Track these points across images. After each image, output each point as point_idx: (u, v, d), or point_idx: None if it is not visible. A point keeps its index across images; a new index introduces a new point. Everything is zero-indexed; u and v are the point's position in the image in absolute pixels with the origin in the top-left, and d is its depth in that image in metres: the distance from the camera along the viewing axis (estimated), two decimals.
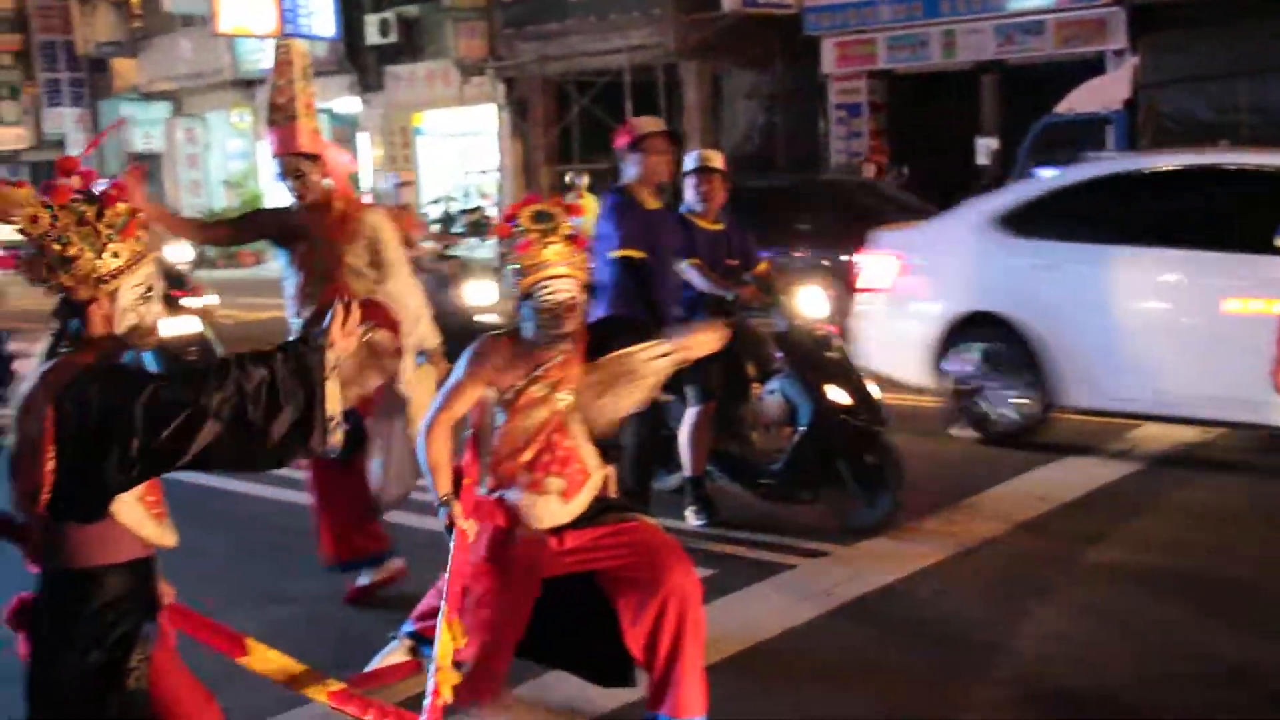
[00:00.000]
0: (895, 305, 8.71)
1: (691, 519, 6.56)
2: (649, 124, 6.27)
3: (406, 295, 5.50)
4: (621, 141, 6.17)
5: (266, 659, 3.66)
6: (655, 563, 3.95)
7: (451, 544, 3.93)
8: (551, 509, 4.03)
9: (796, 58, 20.73)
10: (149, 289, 3.00)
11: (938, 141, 19.44)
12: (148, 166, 5.20)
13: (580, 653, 4.21)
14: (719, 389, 6.55)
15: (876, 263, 8.87)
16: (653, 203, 6.15)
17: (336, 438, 2.85)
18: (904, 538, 6.25)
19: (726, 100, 22.12)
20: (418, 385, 5.42)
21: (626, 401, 4.17)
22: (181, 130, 29.49)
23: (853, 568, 5.87)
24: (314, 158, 5.48)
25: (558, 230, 3.93)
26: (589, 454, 4.07)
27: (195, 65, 28.68)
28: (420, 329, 5.51)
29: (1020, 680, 4.66)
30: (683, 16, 20.43)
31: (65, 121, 31.25)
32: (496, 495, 4.10)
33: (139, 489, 2.92)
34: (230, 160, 29.66)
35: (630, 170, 6.13)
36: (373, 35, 24.52)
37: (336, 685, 3.77)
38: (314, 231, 5.47)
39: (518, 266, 3.94)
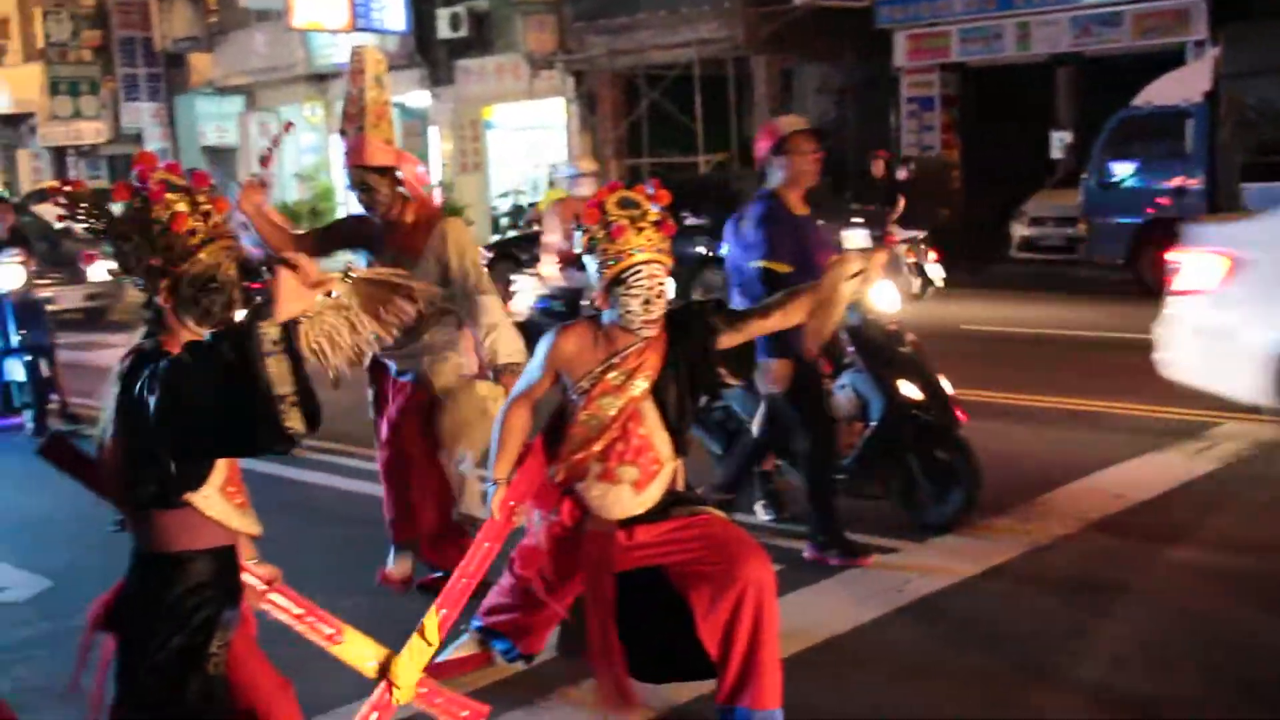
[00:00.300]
0: (1222, 310, 7.44)
1: (761, 514, 6.53)
2: (792, 123, 5.98)
3: (477, 309, 5.26)
4: (764, 145, 5.90)
5: (358, 648, 3.80)
6: (729, 555, 3.92)
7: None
8: (623, 499, 4.02)
9: (868, 51, 20.58)
10: (210, 280, 3.00)
11: (1011, 135, 19.22)
12: (266, 178, 5.27)
13: (665, 658, 4.17)
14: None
15: (1197, 261, 7.64)
16: (801, 208, 5.90)
17: (292, 419, 2.60)
18: (976, 535, 6.18)
19: (796, 94, 22.01)
20: (488, 401, 5.30)
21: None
22: (255, 124, 29.82)
23: (924, 565, 5.81)
24: (384, 171, 5.33)
25: (646, 216, 3.92)
26: (663, 443, 4.04)
27: (269, 60, 29.00)
28: (490, 342, 5.20)
29: (1094, 684, 4.57)
30: (753, 9, 20.33)
31: (142, 116, 31.70)
32: (566, 488, 4.10)
33: (218, 480, 2.96)
34: (303, 154, 29.96)
35: (776, 174, 5.85)
36: (443, 29, 24.65)
37: (419, 676, 3.93)
38: (389, 243, 5.36)
39: (607, 251, 3.91)
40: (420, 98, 26.32)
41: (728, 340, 4.05)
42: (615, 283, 3.91)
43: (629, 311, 3.91)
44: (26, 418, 9.55)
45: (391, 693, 3.91)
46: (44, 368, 9.53)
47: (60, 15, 31.81)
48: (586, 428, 4.00)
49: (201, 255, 2.99)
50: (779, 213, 5.79)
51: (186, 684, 2.93)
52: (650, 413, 4.01)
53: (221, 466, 2.99)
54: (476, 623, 4.56)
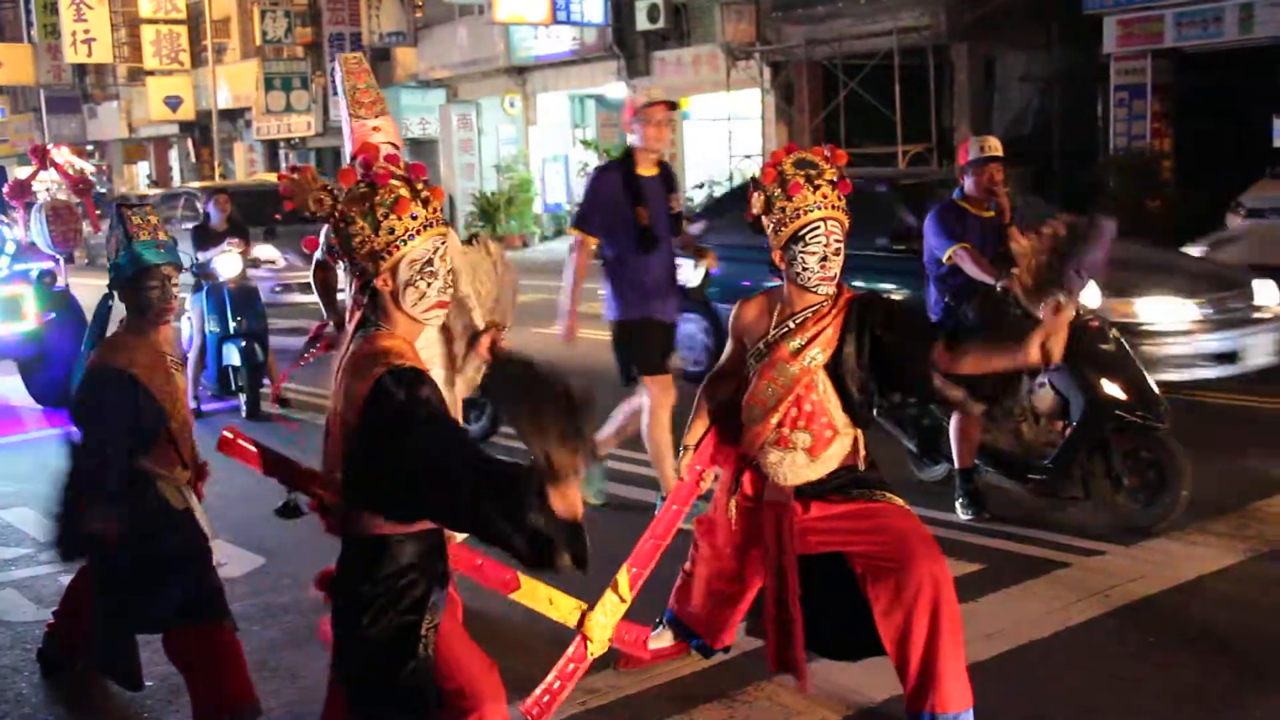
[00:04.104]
0: None
1: (960, 513, 6.40)
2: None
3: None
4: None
5: (535, 593, 4.11)
6: (907, 552, 3.84)
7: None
8: (798, 465, 4.01)
9: (1075, 37, 19.92)
10: (428, 263, 3.10)
11: (1228, 123, 18.39)
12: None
13: (846, 635, 4.14)
14: (988, 381, 6.36)
15: None
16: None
17: (562, 559, 2.73)
18: (1188, 539, 5.93)
19: (999, 83, 21.45)
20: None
21: None
22: (455, 116, 30.51)
23: (1132, 569, 5.60)
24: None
25: (823, 175, 3.93)
26: (837, 410, 3.98)
27: (470, 53, 29.62)
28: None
29: None
30: None
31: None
32: (746, 459, 4.15)
33: None
34: (502, 145, 30.55)
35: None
36: (641, 21, 24.81)
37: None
38: None
39: (784, 210, 3.93)
40: (617, 89, 26.55)
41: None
42: (793, 240, 3.92)
43: (805, 269, 3.91)
44: (242, 400, 9.98)
45: (586, 646, 4.19)
46: (258, 353, 9.93)
47: (276, 13, 33.08)
48: (764, 398, 4.01)
49: (420, 240, 3.09)
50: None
51: (397, 663, 3.02)
52: (824, 382, 3.97)
53: None
54: (669, 614, 4.58)
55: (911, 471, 7.03)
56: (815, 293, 3.94)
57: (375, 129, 5.02)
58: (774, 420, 3.98)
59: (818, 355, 3.94)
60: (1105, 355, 6.18)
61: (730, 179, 23.31)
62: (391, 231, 3.06)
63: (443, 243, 3.16)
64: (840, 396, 3.97)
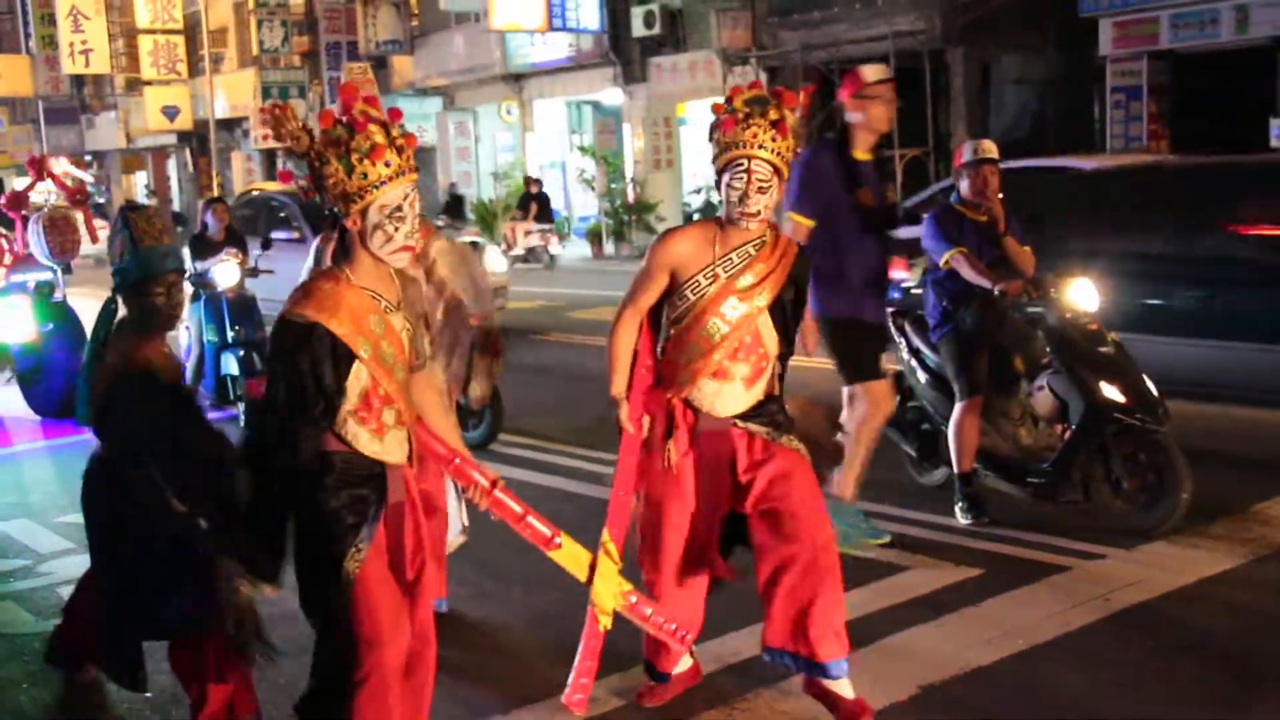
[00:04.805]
0: None
1: (960, 517, 6.39)
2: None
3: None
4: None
5: (573, 554, 4.12)
6: (799, 522, 4.05)
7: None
8: (735, 394, 4.14)
9: (1071, 40, 19.94)
10: (398, 209, 3.29)
11: (1225, 124, 18.40)
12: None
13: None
14: (986, 384, 6.36)
15: None
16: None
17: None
18: (1188, 543, 5.92)
19: (995, 86, 21.46)
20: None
21: None
22: (453, 123, 30.55)
23: (1132, 572, 5.59)
24: None
25: (766, 115, 3.99)
26: (771, 342, 4.15)
27: (467, 61, 29.66)
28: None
29: None
30: (951, 0, 19.93)
31: None
32: (678, 400, 4.18)
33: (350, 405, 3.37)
34: (499, 152, 30.57)
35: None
36: (637, 27, 24.83)
37: (628, 586, 4.22)
38: None
39: (717, 144, 4.06)
40: (613, 95, 26.59)
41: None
42: (721, 172, 4.05)
43: (728, 202, 4.04)
44: (240, 409, 9.97)
45: (598, 618, 4.21)
46: (256, 362, 9.92)
47: (273, 23, 33.15)
48: (707, 334, 4.08)
49: (391, 186, 3.27)
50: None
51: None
52: (765, 316, 4.12)
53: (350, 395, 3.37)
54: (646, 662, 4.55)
55: (911, 476, 7.03)
56: (739, 226, 4.04)
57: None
58: (717, 355, 4.08)
59: (765, 294, 4.09)
60: (1104, 358, 6.18)
61: None
62: (364, 176, 3.24)
63: (413, 189, 3.34)
64: (776, 329, 4.15)
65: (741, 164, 3.98)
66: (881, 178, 6.17)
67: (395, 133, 3.28)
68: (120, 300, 4.35)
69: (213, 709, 4.15)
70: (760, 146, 3.98)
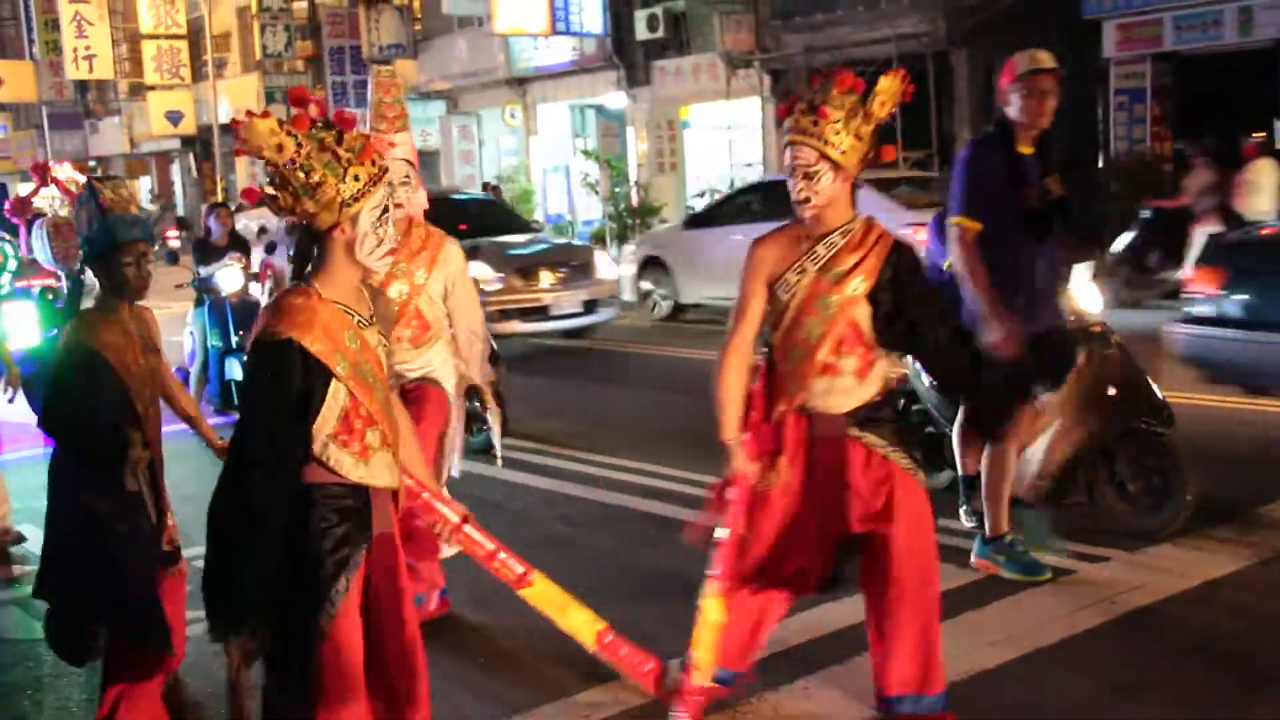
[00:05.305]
0: None
1: (965, 520, 6.36)
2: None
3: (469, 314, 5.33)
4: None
5: (547, 593, 4.04)
6: (901, 573, 3.94)
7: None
8: (847, 389, 3.96)
9: (1074, 42, 19.91)
10: (385, 210, 3.15)
11: (1229, 126, 18.37)
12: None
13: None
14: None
15: None
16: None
17: None
18: (1193, 546, 5.91)
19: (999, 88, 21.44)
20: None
21: None
22: (456, 127, 30.53)
23: (1136, 575, 5.58)
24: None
25: (813, 100, 3.88)
26: (872, 331, 3.97)
27: (470, 65, 29.66)
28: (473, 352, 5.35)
29: None
30: (954, 2, 19.92)
31: None
32: (790, 412, 3.98)
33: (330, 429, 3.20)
34: (503, 156, 30.56)
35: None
36: (640, 31, 24.83)
37: (601, 625, 4.11)
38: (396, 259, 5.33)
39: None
40: (617, 99, 26.58)
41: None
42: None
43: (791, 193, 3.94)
44: None
45: (692, 674, 4.05)
46: None
47: (276, 28, 33.17)
48: (806, 334, 3.93)
49: (379, 187, 3.14)
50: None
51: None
52: (864, 307, 3.94)
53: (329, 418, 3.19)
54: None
55: None
56: (810, 219, 3.93)
57: (392, 144, 5.04)
58: (820, 353, 3.92)
59: (860, 285, 3.91)
60: (1109, 361, 6.16)
61: (731, 187, 23.28)
62: (357, 179, 3.08)
63: (390, 189, 3.23)
64: (874, 320, 3.95)
65: (788, 150, 3.93)
66: (1045, 171, 5.55)
67: (356, 135, 3.17)
68: (89, 271, 4.19)
69: None
70: (801, 132, 3.88)
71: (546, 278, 13.90)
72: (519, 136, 29.86)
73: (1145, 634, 4.98)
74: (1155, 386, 6.13)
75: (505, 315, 13.33)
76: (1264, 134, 17.23)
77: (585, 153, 27.05)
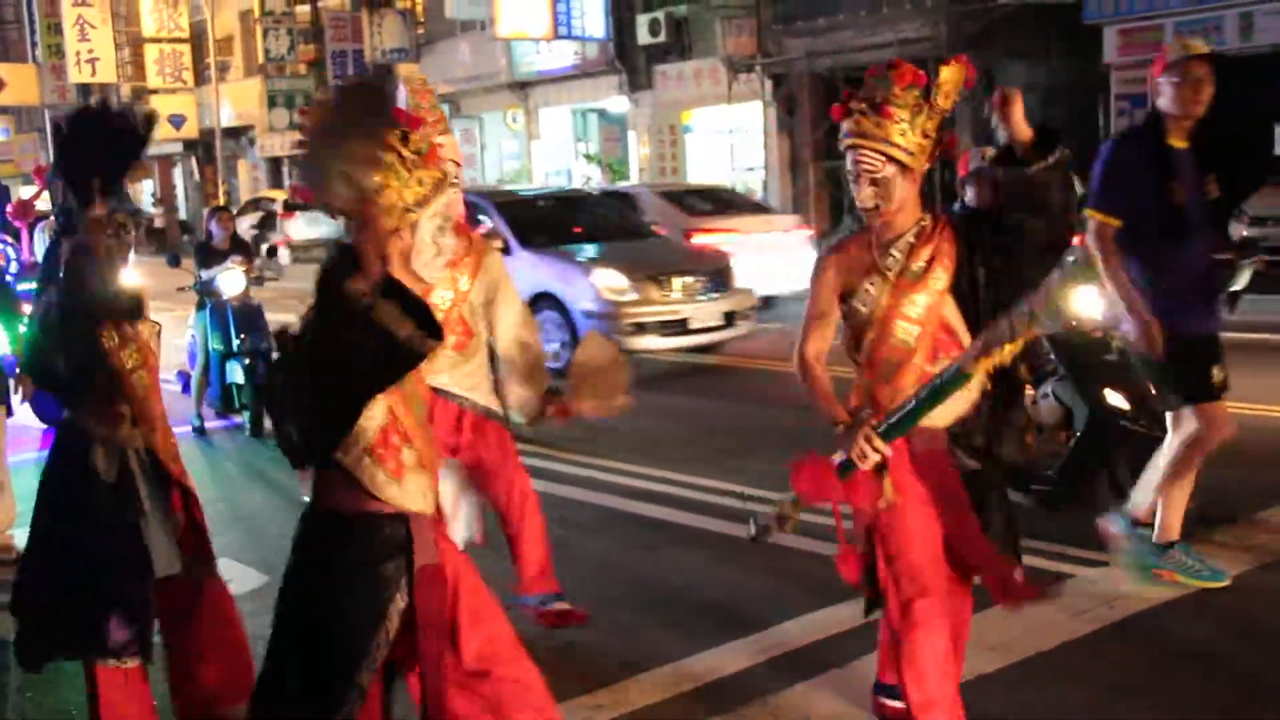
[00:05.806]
0: None
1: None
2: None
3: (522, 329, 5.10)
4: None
5: None
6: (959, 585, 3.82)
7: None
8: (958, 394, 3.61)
9: (1076, 48, 19.95)
10: (446, 219, 2.92)
11: (1230, 131, 18.36)
12: None
13: None
14: (990, 391, 6.32)
15: None
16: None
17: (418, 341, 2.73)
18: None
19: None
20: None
21: None
22: (458, 131, 30.56)
23: (1135, 581, 5.57)
24: None
25: (869, 105, 3.58)
26: (962, 328, 3.68)
27: (473, 69, 29.72)
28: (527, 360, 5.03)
29: None
30: (956, 7, 19.95)
31: None
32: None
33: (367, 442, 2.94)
34: (505, 160, 30.61)
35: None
36: (643, 35, 24.88)
37: None
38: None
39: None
40: (619, 103, 26.63)
41: None
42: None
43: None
44: (245, 418, 9.98)
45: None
46: (262, 370, 9.93)
47: (278, 31, 33.22)
48: (897, 343, 3.66)
49: (442, 191, 2.90)
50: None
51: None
52: (951, 304, 3.68)
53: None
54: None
55: None
56: (879, 224, 3.67)
57: (439, 145, 5.03)
58: (916, 360, 3.64)
59: (942, 275, 3.66)
60: (1108, 365, 6.17)
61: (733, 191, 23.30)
62: (421, 183, 2.83)
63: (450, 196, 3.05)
64: (966, 316, 3.69)
65: (849, 154, 3.64)
66: (1204, 169, 5.25)
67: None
68: (65, 244, 4.06)
69: None
70: (864, 136, 3.58)
71: (684, 287, 12.25)
72: (521, 140, 29.90)
73: (1144, 638, 4.98)
74: (1154, 392, 6.13)
75: (642, 329, 11.86)
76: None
77: (587, 157, 27.09)
